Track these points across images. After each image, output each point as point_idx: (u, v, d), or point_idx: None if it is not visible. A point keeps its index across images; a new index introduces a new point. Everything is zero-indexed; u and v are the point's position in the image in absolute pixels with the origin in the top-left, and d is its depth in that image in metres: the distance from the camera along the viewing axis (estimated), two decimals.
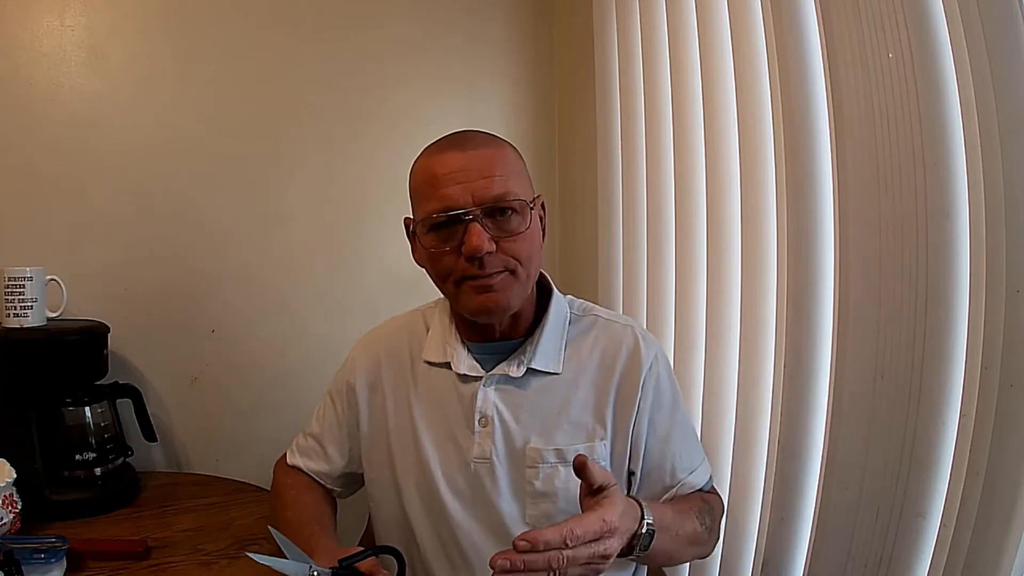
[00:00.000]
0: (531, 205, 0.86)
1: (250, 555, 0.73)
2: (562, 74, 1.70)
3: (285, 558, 0.74)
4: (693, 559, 0.95)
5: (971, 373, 0.82)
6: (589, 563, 0.71)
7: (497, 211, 0.83)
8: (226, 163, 1.40)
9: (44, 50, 1.26)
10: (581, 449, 0.90)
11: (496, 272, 0.84)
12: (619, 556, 0.77)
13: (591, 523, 0.71)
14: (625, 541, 0.75)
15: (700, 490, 0.95)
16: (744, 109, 1.13)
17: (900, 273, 0.89)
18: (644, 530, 0.77)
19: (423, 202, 0.85)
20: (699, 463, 0.96)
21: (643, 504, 0.79)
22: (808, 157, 1.01)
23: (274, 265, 1.46)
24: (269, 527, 0.77)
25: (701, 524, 0.89)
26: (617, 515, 0.73)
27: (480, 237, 0.81)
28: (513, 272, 0.85)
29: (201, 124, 1.38)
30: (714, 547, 0.96)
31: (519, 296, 0.87)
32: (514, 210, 0.83)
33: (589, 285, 1.57)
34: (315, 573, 0.72)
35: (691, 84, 1.25)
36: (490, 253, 0.82)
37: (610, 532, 0.71)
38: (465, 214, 0.82)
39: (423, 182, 0.86)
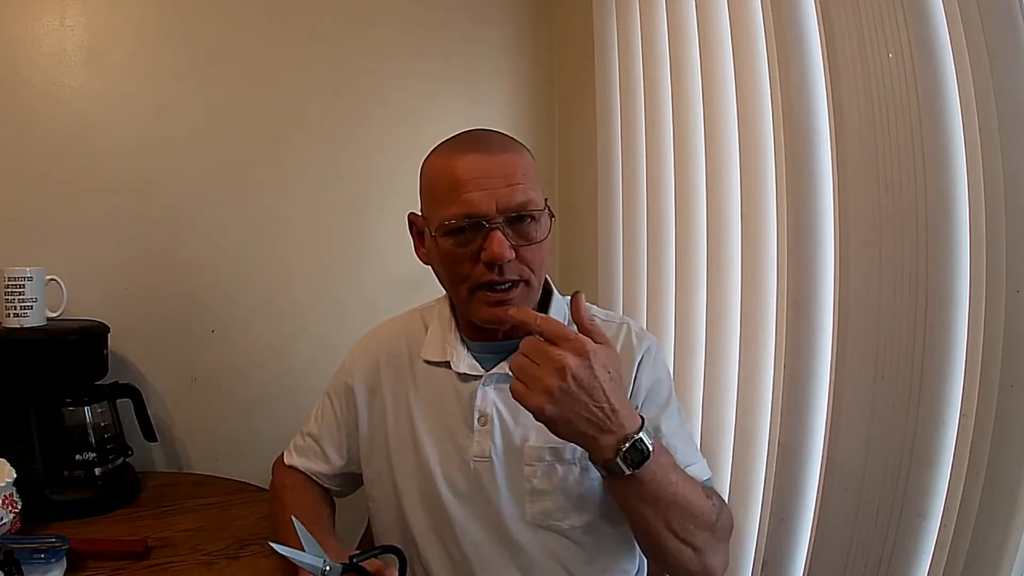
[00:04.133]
0: (552, 215, 0.86)
1: (272, 544, 0.72)
2: (562, 74, 1.70)
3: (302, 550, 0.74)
4: (697, 548, 0.80)
5: (971, 373, 0.82)
6: (537, 353, 0.70)
7: (518, 219, 0.82)
8: (226, 163, 1.40)
9: (44, 50, 1.26)
10: (578, 447, 0.89)
11: (512, 284, 0.83)
12: (601, 467, 0.73)
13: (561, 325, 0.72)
14: (588, 381, 0.70)
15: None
16: (744, 109, 1.13)
17: (900, 273, 0.89)
18: (639, 436, 0.72)
19: (443, 205, 0.83)
20: (696, 460, 0.92)
21: (646, 423, 0.74)
22: (808, 157, 1.01)
23: (274, 265, 1.46)
24: (292, 517, 0.76)
25: (707, 498, 0.82)
26: (597, 353, 0.71)
27: (502, 246, 0.80)
28: (527, 282, 0.85)
29: (201, 124, 1.38)
30: (724, 551, 0.85)
31: (530, 304, 0.87)
32: (533, 218, 0.83)
33: (589, 285, 1.56)
34: (328, 568, 0.73)
35: (691, 84, 1.25)
36: (510, 261, 0.82)
37: (581, 351, 0.70)
38: (487, 221, 0.81)
39: (443, 183, 0.83)
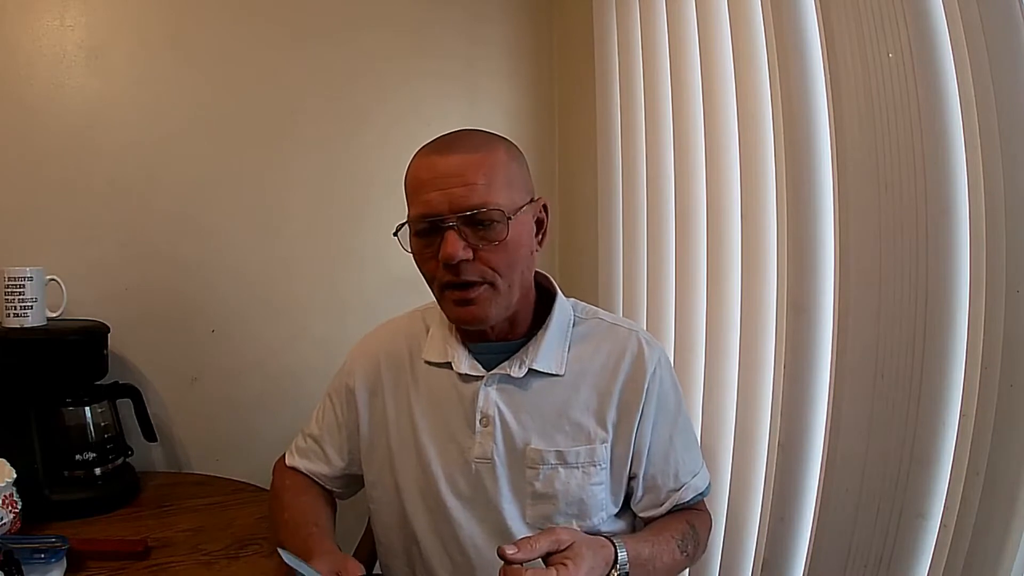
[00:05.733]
0: (510, 216, 0.84)
1: (280, 551, 0.74)
2: (562, 74, 1.70)
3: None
4: None
5: (971, 373, 0.82)
6: None
7: (475, 220, 0.82)
8: (226, 163, 1.40)
9: (44, 50, 1.26)
10: (582, 452, 0.90)
11: (474, 284, 0.84)
12: None
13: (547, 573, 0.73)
14: None
15: (700, 495, 0.96)
16: (744, 109, 1.13)
17: (900, 273, 0.89)
18: (617, 574, 0.79)
19: (410, 206, 0.87)
20: (700, 467, 0.98)
21: (617, 544, 0.81)
22: (808, 157, 1.01)
23: (274, 265, 1.46)
24: (278, 549, 0.77)
25: (682, 552, 0.90)
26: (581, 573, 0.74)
27: (455, 246, 0.81)
28: (492, 284, 0.85)
29: (201, 124, 1.38)
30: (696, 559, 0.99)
31: (500, 307, 0.87)
32: (493, 220, 0.83)
33: (589, 285, 1.56)
34: None
35: (691, 84, 1.25)
36: (467, 261, 0.82)
37: None
38: (443, 221, 0.82)
39: (410, 186, 0.87)
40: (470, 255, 0.82)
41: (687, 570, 1.26)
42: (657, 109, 1.35)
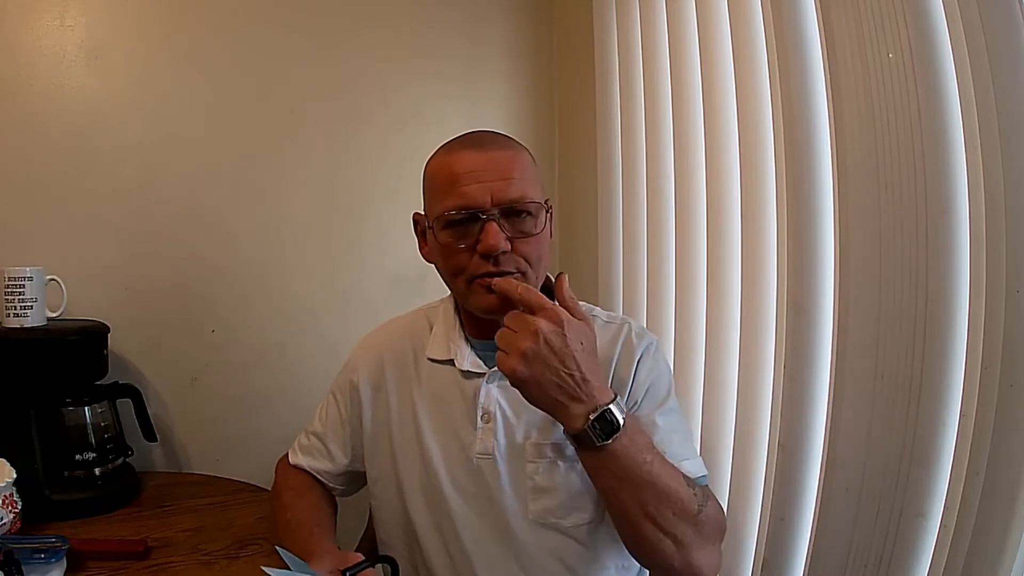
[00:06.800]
0: (546, 208, 0.87)
1: (264, 568, 0.73)
2: (562, 74, 1.70)
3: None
4: (678, 540, 0.77)
5: (971, 373, 0.82)
6: (516, 321, 0.74)
7: (514, 212, 0.84)
8: (227, 163, 1.40)
9: (44, 50, 1.26)
10: None
11: (508, 273, 0.84)
12: (572, 438, 0.76)
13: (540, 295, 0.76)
14: (569, 356, 0.73)
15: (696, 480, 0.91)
16: (744, 109, 1.13)
17: (900, 273, 0.89)
18: (609, 407, 0.73)
19: (441, 198, 0.86)
20: (692, 456, 0.91)
21: (618, 398, 0.76)
22: (808, 157, 1.01)
23: (275, 265, 1.46)
24: (276, 548, 0.77)
25: (689, 489, 0.80)
26: (571, 324, 0.74)
27: (496, 236, 0.82)
28: (524, 274, 0.86)
29: (201, 125, 1.38)
30: (712, 553, 0.84)
31: None
32: (529, 212, 0.85)
33: (589, 285, 1.57)
34: None
35: (691, 84, 1.25)
36: (505, 252, 0.83)
37: (556, 319, 0.73)
38: (483, 213, 0.83)
39: (441, 179, 0.86)
40: (508, 247, 0.84)
41: None
42: (657, 109, 1.35)
